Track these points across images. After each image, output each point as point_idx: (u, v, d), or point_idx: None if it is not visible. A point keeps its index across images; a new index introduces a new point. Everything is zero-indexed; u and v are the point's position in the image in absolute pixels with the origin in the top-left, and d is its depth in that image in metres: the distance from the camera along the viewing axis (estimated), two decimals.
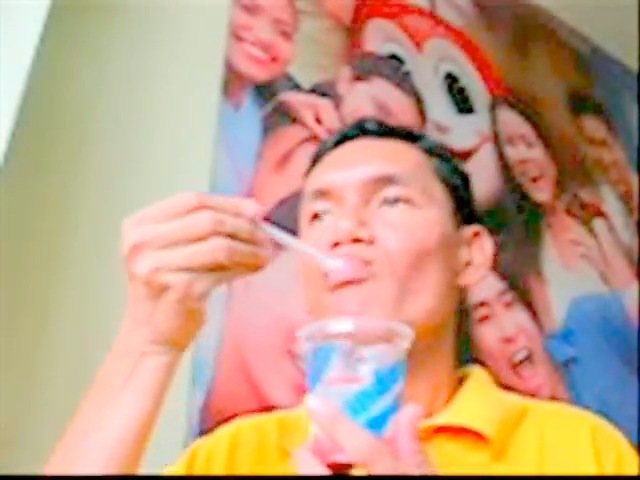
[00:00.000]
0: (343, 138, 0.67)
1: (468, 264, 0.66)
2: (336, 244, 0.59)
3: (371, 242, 0.59)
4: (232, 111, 1.29)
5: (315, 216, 0.63)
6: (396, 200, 0.61)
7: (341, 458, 0.42)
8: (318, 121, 1.40)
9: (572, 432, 0.60)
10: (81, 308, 0.98)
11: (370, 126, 0.68)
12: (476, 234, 0.68)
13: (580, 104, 2.20)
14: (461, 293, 0.66)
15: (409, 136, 0.67)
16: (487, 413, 0.59)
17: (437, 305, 0.61)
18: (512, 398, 0.66)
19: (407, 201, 0.61)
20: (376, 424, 0.44)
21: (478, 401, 0.61)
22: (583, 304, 1.75)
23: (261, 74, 1.36)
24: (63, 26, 1.08)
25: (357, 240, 0.59)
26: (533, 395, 1.50)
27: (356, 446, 0.41)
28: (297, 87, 1.41)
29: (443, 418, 0.59)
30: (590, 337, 1.73)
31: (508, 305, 1.57)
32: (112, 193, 1.09)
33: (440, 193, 0.64)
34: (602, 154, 2.18)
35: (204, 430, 1.03)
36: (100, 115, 1.12)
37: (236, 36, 1.36)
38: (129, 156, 1.13)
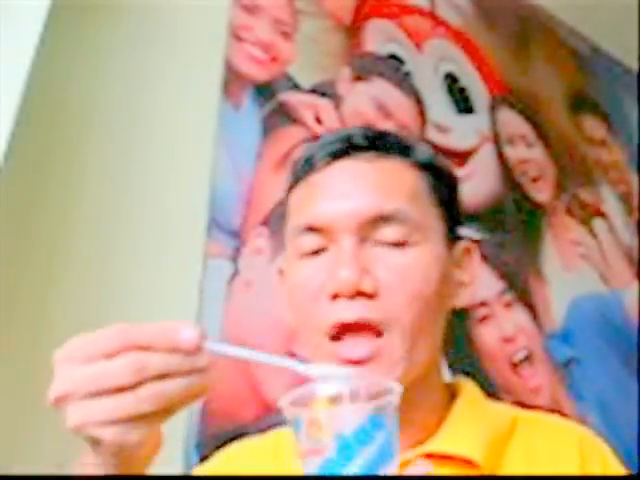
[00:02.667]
0: (331, 156, 0.63)
1: (460, 284, 0.64)
2: (336, 296, 0.57)
3: (372, 295, 0.57)
4: (232, 111, 1.29)
5: (307, 253, 0.61)
6: (394, 243, 0.59)
7: None
8: (318, 121, 1.40)
9: (559, 445, 0.62)
10: (81, 308, 0.98)
11: (359, 141, 0.63)
12: (466, 250, 0.66)
13: (580, 104, 2.20)
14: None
15: (401, 149, 0.64)
16: (476, 437, 0.60)
17: (438, 342, 0.62)
18: (501, 411, 0.66)
19: (404, 243, 0.59)
20: None
21: (467, 424, 0.62)
22: (583, 304, 1.75)
23: (261, 74, 1.36)
24: (63, 26, 1.08)
25: (359, 293, 0.56)
26: (533, 395, 1.50)
27: None
28: (297, 87, 1.41)
29: (434, 445, 0.60)
30: (590, 337, 1.73)
31: (508, 305, 1.57)
32: (112, 193, 1.09)
33: (434, 219, 0.62)
34: (602, 154, 2.18)
35: (204, 430, 1.03)
36: (100, 115, 1.12)
37: (236, 36, 1.36)
38: (129, 156, 1.13)
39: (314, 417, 0.43)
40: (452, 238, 0.64)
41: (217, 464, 0.71)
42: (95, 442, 0.43)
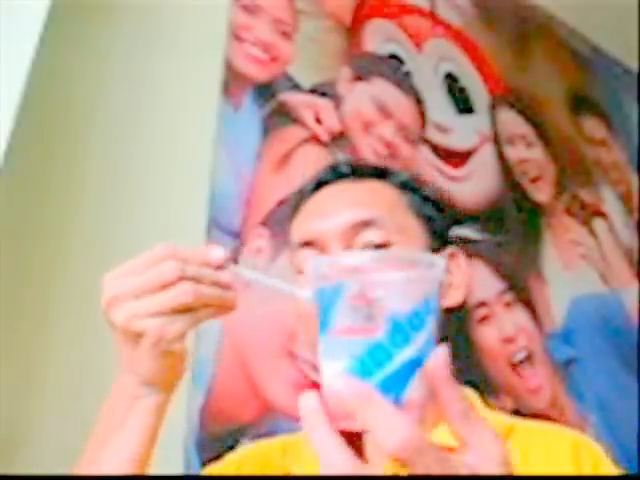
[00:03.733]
0: (320, 183, 0.72)
1: (449, 286, 0.69)
2: None
3: None
4: (232, 111, 1.29)
5: (301, 267, 0.68)
6: (375, 244, 0.65)
7: (355, 426, 0.38)
8: (318, 121, 1.40)
9: (554, 450, 0.64)
10: (81, 308, 0.98)
11: (344, 169, 0.72)
12: (452, 255, 0.71)
13: (580, 104, 2.20)
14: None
15: (382, 174, 0.72)
16: None
17: None
18: (497, 419, 0.68)
19: (385, 244, 0.65)
20: (392, 384, 0.37)
21: None
22: (583, 304, 1.75)
23: (261, 74, 1.36)
24: (63, 26, 1.08)
25: None
26: (533, 395, 1.50)
27: (395, 442, 0.36)
28: (297, 87, 1.41)
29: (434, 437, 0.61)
30: (590, 337, 1.73)
31: (508, 305, 1.57)
32: (112, 193, 1.09)
33: (415, 227, 0.68)
34: (602, 154, 2.18)
35: (204, 430, 1.03)
36: (100, 115, 1.12)
37: (236, 36, 1.36)
38: (129, 156, 1.13)
39: (364, 289, 0.38)
40: (436, 247, 0.69)
41: (226, 467, 0.73)
42: (138, 338, 0.50)
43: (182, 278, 0.50)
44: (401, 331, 0.38)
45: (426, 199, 0.71)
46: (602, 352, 1.74)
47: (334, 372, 0.38)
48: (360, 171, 0.72)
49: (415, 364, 0.38)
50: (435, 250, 0.69)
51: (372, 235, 0.65)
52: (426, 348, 0.38)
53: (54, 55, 1.05)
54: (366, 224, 0.65)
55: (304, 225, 0.69)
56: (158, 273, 0.51)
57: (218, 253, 0.53)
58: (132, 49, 1.20)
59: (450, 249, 0.71)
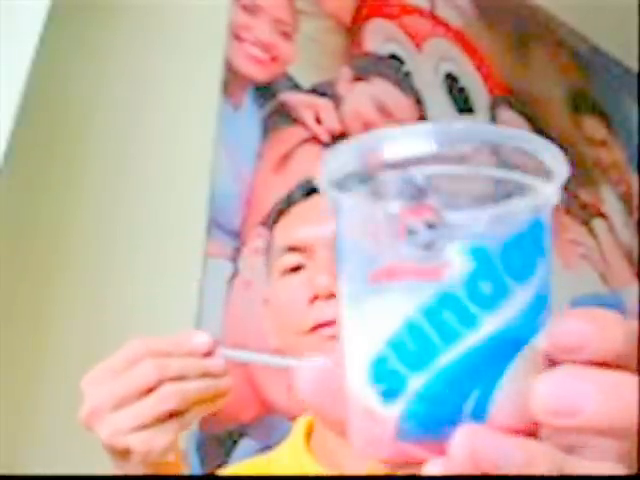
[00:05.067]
0: (308, 191, 0.72)
1: None
2: (314, 298, 0.63)
3: None
4: (232, 111, 1.29)
5: (288, 269, 0.67)
6: None
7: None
8: (318, 121, 1.40)
9: None
10: (81, 308, 0.98)
11: None
12: None
13: (580, 104, 2.20)
14: None
15: None
16: None
17: None
18: None
19: None
20: (470, 376, 0.22)
21: None
22: (583, 304, 1.75)
23: (261, 74, 1.36)
24: (63, 26, 1.08)
25: (334, 294, 0.62)
26: None
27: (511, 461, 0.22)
28: (297, 87, 1.41)
29: None
30: None
31: None
32: (112, 193, 1.09)
33: None
34: (602, 154, 2.18)
35: (204, 430, 1.03)
36: (100, 115, 1.12)
37: (236, 36, 1.36)
38: (129, 156, 1.13)
39: (422, 192, 0.23)
40: None
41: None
42: (126, 454, 0.46)
43: (162, 380, 0.45)
44: (491, 274, 0.22)
45: None
46: None
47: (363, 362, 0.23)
48: None
49: (514, 342, 0.22)
50: None
51: None
52: (534, 315, 0.22)
53: (54, 55, 1.05)
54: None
55: (292, 230, 0.69)
56: (136, 377, 0.46)
57: (202, 339, 0.48)
58: (132, 49, 1.20)
59: None
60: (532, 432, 0.22)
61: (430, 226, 0.22)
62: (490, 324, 0.22)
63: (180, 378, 0.46)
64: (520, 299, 0.22)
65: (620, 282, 1.94)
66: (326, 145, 1.39)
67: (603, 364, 0.22)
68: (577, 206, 1.96)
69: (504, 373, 0.22)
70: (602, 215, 2.04)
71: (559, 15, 2.25)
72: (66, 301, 0.98)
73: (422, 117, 1.63)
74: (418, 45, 1.75)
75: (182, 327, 1.04)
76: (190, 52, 1.26)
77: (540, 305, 0.23)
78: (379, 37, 1.67)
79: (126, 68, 1.18)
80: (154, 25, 1.24)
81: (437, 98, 1.72)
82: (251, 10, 1.41)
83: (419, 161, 0.23)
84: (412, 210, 0.23)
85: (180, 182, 1.16)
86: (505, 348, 0.22)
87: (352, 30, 1.61)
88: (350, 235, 0.25)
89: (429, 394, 0.22)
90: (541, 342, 0.22)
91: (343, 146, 0.24)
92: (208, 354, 0.48)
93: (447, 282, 0.22)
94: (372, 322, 0.23)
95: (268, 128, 1.32)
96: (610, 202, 2.10)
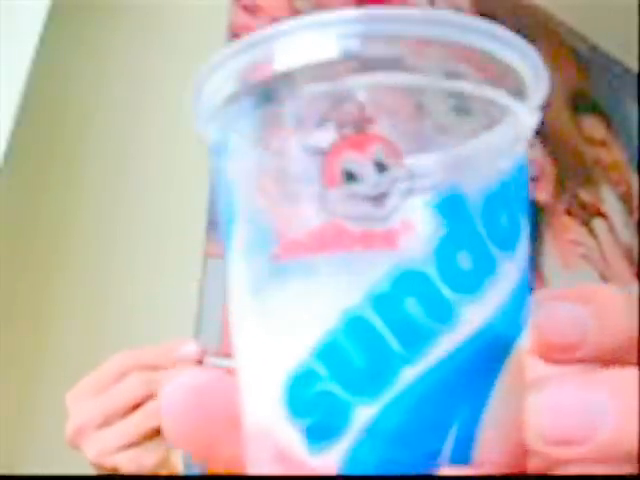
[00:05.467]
0: None
1: None
2: None
3: None
4: None
5: None
6: None
7: None
8: None
9: None
10: (81, 308, 0.98)
11: None
12: None
13: (580, 104, 2.20)
14: None
15: None
16: None
17: None
18: None
19: None
20: (455, 380, 0.15)
21: None
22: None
23: None
24: (63, 26, 1.08)
25: None
26: None
27: None
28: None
29: None
30: None
31: None
32: (111, 193, 1.09)
33: None
34: (602, 154, 2.18)
35: None
36: (100, 115, 1.12)
37: (236, 36, 1.35)
38: (129, 156, 1.13)
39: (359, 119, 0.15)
40: None
41: None
42: (115, 470, 0.44)
43: (149, 396, 0.43)
44: (472, 240, 0.15)
45: None
46: None
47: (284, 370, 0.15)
48: None
49: (501, 343, 0.16)
50: None
51: None
52: (520, 302, 0.16)
53: (54, 55, 1.05)
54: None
55: None
56: (121, 393, 0.43)
57: (189, 349, 0.45)
58: (132, 49, 1.20)
59: None
60: (523, 466, 0.16)
61: (380, 168, 0.14)
62: (473, 316, 0.15)
63: None
64: (508, 277, 0.15)
65: (620, 282, 1.94)
66: None
67: (605, 360, 0.16)
68: (577, 206, 1.96)
69: (492, 389, 0.15)
70: (602, 215, 2.03)
71: (559, 15, 2.25)
72: (66, 301, 0.98)
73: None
74: None
75: (182, 327, 1.04)
76: (190, 52, 1.26)
77: (525, 287, 0.16)
78: None
79: (126, 68, 1.18)
80: (154, 25, 1.24)
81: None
82: (251, 10, 1.41)
83: (335, 71, 0.15)
84: (351, 142, 0.14)
85: (180, 182, 1.16)
86: (491, 352, 0.15)
87: None
88: (244, 189, 0.16)
89: (386, 430, 0.14)
90: (526, 339, 0.16)
91: (221, 56, 0.17)
92: (197, 364, 0.45)
93: (407, 253, 0.14)
94: (287, 319, 0.15)
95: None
96: (610, 202, 2.10)
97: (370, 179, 0.15)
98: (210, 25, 1.32)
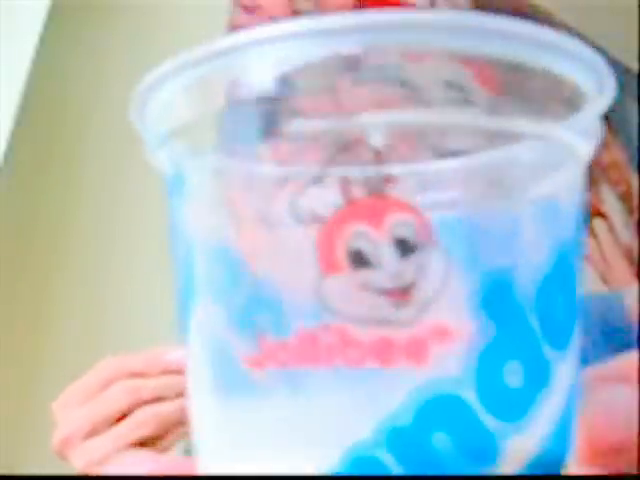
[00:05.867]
0: None
1: None
2: None
3: None
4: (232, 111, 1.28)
5: None
6: None
7: None
8: None
9: None
10: (81, 308, 0.98)
11: None
12: None
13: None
14: None
15: None
16: None
17: None
18: None
19: None
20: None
21: None
22: (583, 304, 1.75)
23: None
24: (63, 26, 1.08)
25: None
26: None
27: None
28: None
29: None
30: (590, 337, 1.73)
31: None
32: (111, 193, 1.09)
33: None
34: (602, 154, 2.18)
35: None
36: (100, 115, 1.12)
37: None
38: (129, 156, 1.13)
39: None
40: None
41: None
42: None
43: (137, 404, 0.41)
44: (524, 342, 0.12)
45: None
46: (602, 352, 1.74)
47: None
48: None
49: (552, 466, 0.12)
50: None
51: None
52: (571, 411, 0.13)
53: (54, 55, 1.05)
54: None
55: None
56: (108, 402, 0.42)
57: (177, 355, 0.43)
58: (132, 49, 1.20)
59: None
60: None
61: (404, 249, 0.10)
62: (519, 447, 0.11)
63: (156, 400, 0.41)
64: (561, 385, 0.12)
65: (620, 282, 1.94)
66: None
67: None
68: None
69: None
70: (602, 215, 2.03)
71: (559, 15, 2.25)
72: (65, 301, 0.98)
73: None
74: None
75: None
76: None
77: (577, 390, 0.13)
78: None
79: (126, 68, 1.18)
80: (154, 25, 1.24)
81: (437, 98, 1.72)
82: (251, 10, 1.41)
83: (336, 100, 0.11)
84: (363, 210, 0.10)
85: None
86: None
87: None
88: (203, 244, 0.12)
89: None
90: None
91: (175, 65, 0.12)
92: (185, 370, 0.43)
93: (439, 371, 0.11)
94: (261, 442, 0.11)
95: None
96: (610, 202, 2.10)
97: (389, 265, 0.10)
98: (210, 25, 1.32)
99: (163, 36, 1.25)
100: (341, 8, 1.62)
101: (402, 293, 0.10)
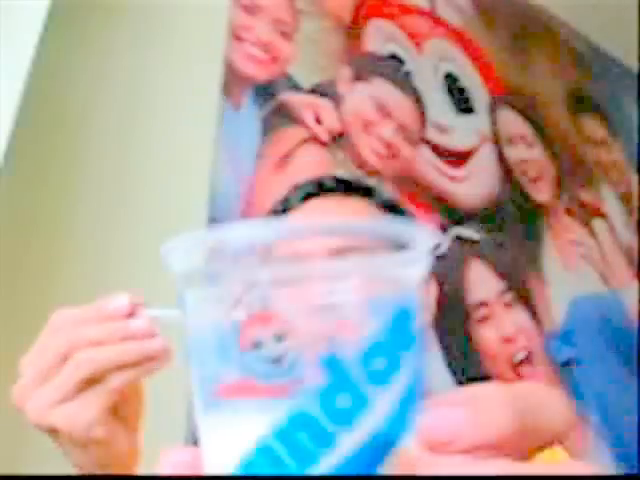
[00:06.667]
0: (304, 197, 0.72)
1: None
2: None
3: None
4: (232, 111, 1.29)
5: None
6: None
7: None
8: (318, 121, 1.40)
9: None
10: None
11: (329, 184, 0.73)
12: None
13: (580, 104, 2.20)
14: None
15: (365, 192, 0.73)
16: None
17: None
18: None
19: None
20: (359, 463, 0.20)
21: None
22: (583, 304, 1.75)
23: (261, 74, 1.36)
24: (63, 26, 1.08)
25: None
26: None
27: None
28: (297, 87, 1.41)
29: None
30: (590, 337, 1.73)
31: (508, 305, 1.57)
32: (111, 193, 1.09)
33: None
34: (602, 154, 2.18)
35: None
36: (100, 115, 1.12)
37: (236, 36, 1.36)
38: (129, 156, 1.13)
39: (267, 302, 0.21)
40: None
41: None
42: (54, 433, 0.44)
43: (75, 347, 0.42)
44: (349, 386, 0.21)
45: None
46: (602, 352, 1.74)
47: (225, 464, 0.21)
48: (344, 187, 0.73)
49: (382, 444, 0.21)
50: None
51: None
52: (401, 413, 0.21)
53: (54, 55, 1.05)
54: (352, 250, 0.65)
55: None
56: (49, 349, 0.44)
57: (120, 301, 0.46)
58: (132, 49, 1.20)
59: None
60: None
61: (279, 338, 0.21)
62: (349, 440, 0.20)
63: (96, 344, 0.43)
64: (383, 405, 0.21)
65: (620, 282, 1.94)
66: (326, 145, 1.39)
67: (483, 452, 0.21)
68: (577, 206, 1.96)
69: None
70: (602, 215, 2.04)
71: (559, 15, 2.25)
72: (66, 301, 0.98)
73: (422, 117, 1.63)
74: (418, 45, 1.75)
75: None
76: (190, 52, 1.26)
77: (409, 400, 0.21)
78: (379, 37, 1.67)
79: (126, 68, 1.18)
80: (154, 25, 1.24)
81: (437, 98, 1.72)
82: (251, 10, 1.41)
83: (263, 259, 0.22)
84: (258, 318, 0.21)
85: (180, 182, 1.16)
86: (371, 458, 0.21)
87: (352, 30, 1.61)
88: (197, 336, 0.22)
89: None
90: (411, 440, 0.21)
91: (189, 237, 0.24)
92: (129, 316, 0.45)
93: (300, 399, 0.20)
94: (221, 442, 0.22)
95: (268, 128, 1.32)
96: (610, 202, 2.10)
97: (271, 347, 0.21)
98: (210, 25, 1.32)
99: (163, 36, 1.25)
100: (340, 9, 1.62)
101: (278, 360, 0.21)
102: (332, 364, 0.20)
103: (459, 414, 0.21)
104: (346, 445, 0.20)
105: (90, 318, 0.45)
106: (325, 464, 0.20)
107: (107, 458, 0.46)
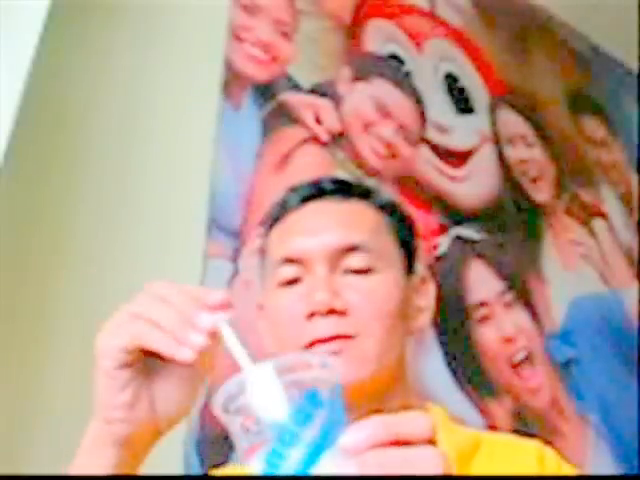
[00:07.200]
0: (303, 199, 0.72)
1: (419, 309, 0.72)
2: (312, 314, 0.65)
3: (344, 312, 0.65)
4: (232, 111, 1.29)
5: (284, 282, 0.68)
6: (360, 270, 0.67)
7: None
8: (318, 121, 1.40)
9: (520, 460, 0.66)
10: (81, 307, 0.98)
11: (327, 186, 0.73)
12: (422, 281, 0.74)
13: (580, 104, 2.20)
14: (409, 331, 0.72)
15: (364, 193, 0.73)
16: None
17: (400, 351, 0.69)
18: (465, 432, 0.70)
19: (368, 270, 0.67)
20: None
21: None
22: (583, 304, 1.75)
23: (261, 74, 1.36)
24: (63, 26, 1.08)
25: (332, 311, 0.64)
26: (533, 395, 1.50)
27: None
28: (297, 87, 1.41)
29: None
30: (590, 337, 1.73)
31: (508, 305, 1.57)
32: (112, 193, 1.09)
33: (395, 252, 0.71)
34: (602, 154, 2.18)
35: (204, 430, 1.03)
36: (100, 115, 1.12)
37: (236, 36, 1.36)
38: (129, 156, 1.13)
39: (244, 405, 0.40)
40: (411, 269, 0.72)
41: None
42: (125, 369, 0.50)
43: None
44: (287, 432, 0.38)
45: (403, 222, 0.74)
46: (602, 352, 1.74)
47: None
48: (343, 189, 0.73)
49: (314, 453, 0.37)
50: (409, 274, 0.72)
51: (357, 260, 0.67)
52: (322, 444, 0.37)
53: (54, 55, 1.05)
54: (352, 249, 0.67)
55: (288, 241, 0.69)
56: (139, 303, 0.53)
57: (216, 296, 0.52)
58: (132, 49, 1.20)
59: (420, 274, 0.74)
60: None
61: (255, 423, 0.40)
62: (294, 453, 0.37)
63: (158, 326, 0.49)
64: (304, 441, 0.37)
65: (620, 282, 1.94)
66: (326, 145, 1.39)
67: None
68: (577, 206, 1.96)
69: None
70: (602, 215, 2.03)
71: (559, 15, 2.25)
72: (66, 300, 0.98)
73: (422, 117, 1.64)
74: (418, 45, 1.75)
75: None
76: (190, 52, 1.26)
77: (328, 430, 0.38)
78: (379, 37, 1.67)
79: (126, 68, 1.18)
80: (154, 25, 1.24)
81: (437, 98, 1.72)
82: (251, 10, 1.41)
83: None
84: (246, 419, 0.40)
85: (180, 182, 1.16)
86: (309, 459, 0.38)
87: (352, 30, 1.61)
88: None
89: None
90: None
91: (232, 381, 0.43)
92: (212, 309, 0.50)
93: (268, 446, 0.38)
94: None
95: (268, 128, 1.32)
96: (610, 202, 2.10)
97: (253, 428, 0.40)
98: (210, 25, 1.32)
99: (163, 36, 1.25)
100: (340, 9, 1.62)
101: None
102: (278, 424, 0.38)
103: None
104: (295, 456, 0.37)
105: (182, 301, 0.50)
106: (293, 458, 0.37)
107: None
